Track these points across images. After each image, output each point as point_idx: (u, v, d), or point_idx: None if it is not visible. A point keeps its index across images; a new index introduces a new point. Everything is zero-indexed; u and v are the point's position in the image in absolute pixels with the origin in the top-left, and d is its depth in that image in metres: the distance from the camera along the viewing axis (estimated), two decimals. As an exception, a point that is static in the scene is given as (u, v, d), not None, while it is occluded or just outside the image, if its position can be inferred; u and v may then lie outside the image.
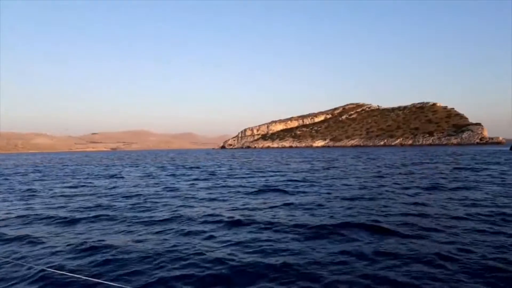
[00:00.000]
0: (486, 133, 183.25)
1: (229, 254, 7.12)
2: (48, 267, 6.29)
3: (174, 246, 7.75)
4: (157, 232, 9.08)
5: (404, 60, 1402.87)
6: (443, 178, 21.00)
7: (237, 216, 10.69)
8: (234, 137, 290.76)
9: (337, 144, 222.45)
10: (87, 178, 27.58)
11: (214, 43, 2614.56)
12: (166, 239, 8.35)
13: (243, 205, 13.04)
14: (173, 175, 28.48)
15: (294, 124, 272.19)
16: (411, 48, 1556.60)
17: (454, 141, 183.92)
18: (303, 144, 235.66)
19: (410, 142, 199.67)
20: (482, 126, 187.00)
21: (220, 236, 8.61)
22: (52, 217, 11.22)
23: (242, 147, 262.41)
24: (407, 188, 16.64)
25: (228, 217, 10.46)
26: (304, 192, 16.08)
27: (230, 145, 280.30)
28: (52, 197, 16.27)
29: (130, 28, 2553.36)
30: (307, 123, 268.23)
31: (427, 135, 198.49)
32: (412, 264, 6.36)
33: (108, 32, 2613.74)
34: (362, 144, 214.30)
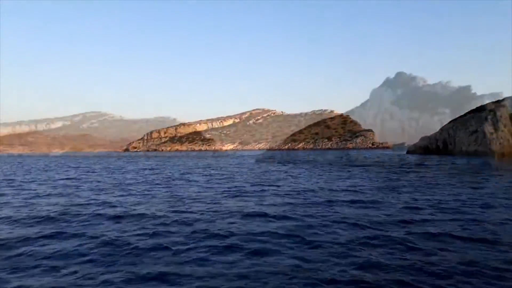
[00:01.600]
0: (377, 138, 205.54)
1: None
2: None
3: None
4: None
5: (304, 68, 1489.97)
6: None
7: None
8: (139, 140, 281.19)
9: (246, 147, 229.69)
10: None
11: (120, 41, 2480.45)
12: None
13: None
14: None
15: (203, 127, 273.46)
16: (310, 57, 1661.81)
17: (349, 145, 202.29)
18: (213, 148, 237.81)
19: (312, 146, 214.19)
20: (373, 132, 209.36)
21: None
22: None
23: (148, 150, 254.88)
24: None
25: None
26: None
27: (135, 148, 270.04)
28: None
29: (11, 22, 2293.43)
30: (216, 126, 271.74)
31: (326, 140, 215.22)
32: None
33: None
34: (268, 148, 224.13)
